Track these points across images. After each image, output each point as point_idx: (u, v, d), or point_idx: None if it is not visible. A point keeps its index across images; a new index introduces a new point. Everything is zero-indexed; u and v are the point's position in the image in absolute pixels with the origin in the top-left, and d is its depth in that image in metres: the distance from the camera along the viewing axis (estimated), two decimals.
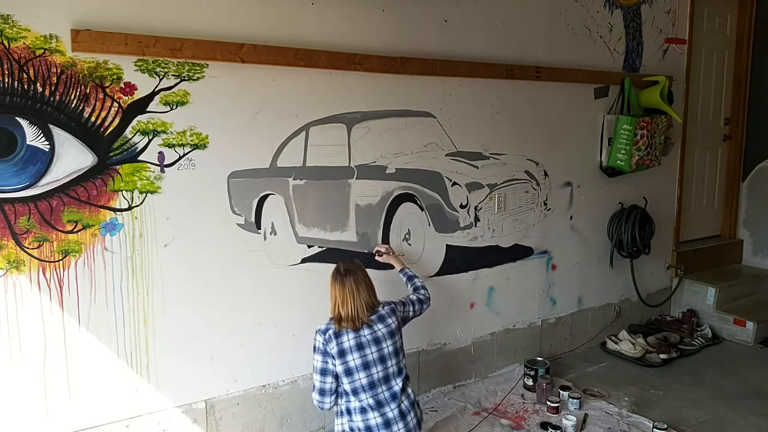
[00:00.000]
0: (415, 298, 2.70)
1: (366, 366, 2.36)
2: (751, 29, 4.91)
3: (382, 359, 2.41)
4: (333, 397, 2.41)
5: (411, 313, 2.66)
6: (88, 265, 2.33)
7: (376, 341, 2.40)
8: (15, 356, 2.23)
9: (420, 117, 3.15)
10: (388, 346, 2.43)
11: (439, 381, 3.39)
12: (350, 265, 2.46)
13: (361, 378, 2.36)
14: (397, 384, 2.43)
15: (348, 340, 2.36)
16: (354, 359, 2.35)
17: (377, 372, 2.38)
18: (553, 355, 3.86)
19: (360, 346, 2.36)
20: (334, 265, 2.48)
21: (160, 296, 2.49)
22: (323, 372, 2.38)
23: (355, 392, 2.36)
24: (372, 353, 2.38)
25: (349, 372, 2.35)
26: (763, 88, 4.92)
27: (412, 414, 2.45)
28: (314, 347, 2.40)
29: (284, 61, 2.63)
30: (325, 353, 2.36)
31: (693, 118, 4.69)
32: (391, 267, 3.05)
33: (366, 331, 2.39)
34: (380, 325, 2.43)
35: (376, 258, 2.98)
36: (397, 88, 3.03)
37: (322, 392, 2.40)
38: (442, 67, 3.12)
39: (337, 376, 2.38)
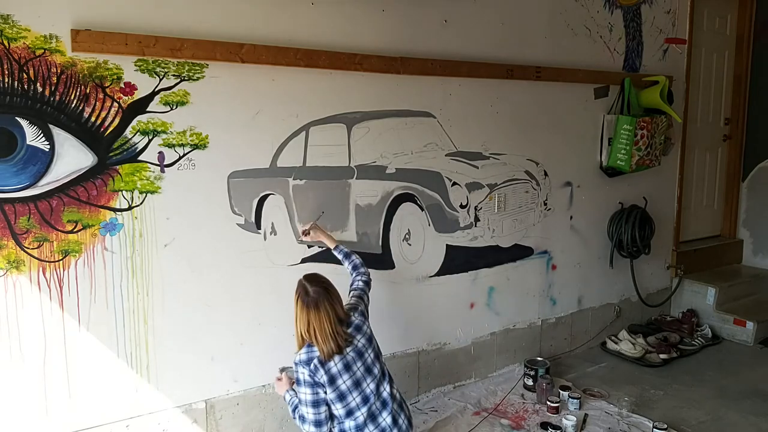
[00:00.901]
0: (362, 285, 2.55)
1: (357, 384, 2.27)
2: (751, 29, 4.91)
3: (369, 370, 2.32)
4: (329, 423, 2.30)
5: (368, 305, 2.53)
6: (88, 265, 2.33)
7: (360, 354, 2.30)
8: (15, 356, 2.23)
9: (420, 117, 3.15)
10: (369, 355, 2.34)
11: (439, 381, 3.39)
12: (316, 284, 2.28)
13: (355, 398, 2.26)
14: (385, 389, 2.37)
15: (335, 364, 2.22)
16: (344, 381, 2.24)
17: (367, 386, 2.30)
18: (553, 355, 3.86)
19: (347, 366, 2.25)
20: (297, 287, 2.32)
21: (160, 296, 2.49)
22: (316, 404, 2.24)
23: (349, 413, 2.27)
24: (359, 368, 2.28)
25: (342, 396, 2.24)
26: (763, 88, 4.92)
27: (402, 416, 2.39)
28: (298, 380, 2.25)
29: (284, 61, 2.63)
30: (314, 384, 2.22)
31: (693, 118, 4.69)
32: (392, 266, 3.06)
33: (348, 348, 2.27)
34: (359, 335, 2.33)
35: (303, 238, 2.77)
36: (397, 88, 3.03)
37: (318, 424, 2.25)
38: (442, 67, 3.12)
39: (328, 404, 2.26)
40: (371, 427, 2.30)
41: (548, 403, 3.18)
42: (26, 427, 2.28)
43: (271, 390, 2.81)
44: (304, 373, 2.22)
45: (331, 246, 2.71)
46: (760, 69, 4.93)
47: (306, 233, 2.74)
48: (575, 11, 3.73)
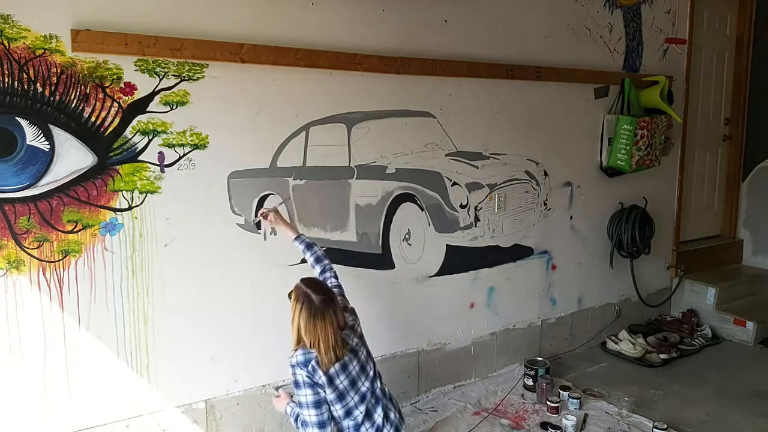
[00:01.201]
0: (336, 281, 2.50)
1: (353, 383, 2.25)
2: (751, 29, 4.91)
3: (363, 368, 2.31)
4: (332, 423, 2.27)
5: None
6: (88, 265, 2.33)
7: (354, 353, 2.29)
8: (15, 356, 2.23)
9: (420, 117, 3.15)
10: (362, 352, 2.34)
11: (439, 381, 3.39)
12: (320, 292, 2.23)
13: (353, 397, 2.25)
14: (378, 386, 2.36)
15: (333, 365, 2.21)
16: (342, 381, 2.22)
17: (362, 384, 2.29)
18: (553, 355, 3.86)
19: (344, 366, 2.23)
20: (298, 295, 2.24)
21: (160, 296, 2.49)
22: (317, 404, 2.21)
23: (348, 413, 2.26)
24: (354, 367, 2.27)
25: (341, 396, 2.22)
26: (763, 88, 4.92)
27: (393, 410, 2.39)
28: (297, 383, 2.22)
29: (284, 61, 2.63)
30: (314, 385, 2.20)
31: (693, 118, 4.69)
32: (392, 267, 3.06)
33: (345, 349, 2.25)
34: (352, 335, 2.32)
35: (262, 222, 2.63)
36: (397, 88, 3.03)
37: (322, 425, 2.22)
38: (442, 67, 3.12)
39: (328, 404, 2.25)
40: (368, 425, 2.30)
41: (548, 403, 3.18)
42: (26, 427, 2.27)
43: (271, 390, 2.81)
44: (302, 375, 2.20)
45: (292, 236, 2.60)
46: (760, 69, 4.93)
47: (265, 216, 2.60)
48: (575, 11, 3.73)
